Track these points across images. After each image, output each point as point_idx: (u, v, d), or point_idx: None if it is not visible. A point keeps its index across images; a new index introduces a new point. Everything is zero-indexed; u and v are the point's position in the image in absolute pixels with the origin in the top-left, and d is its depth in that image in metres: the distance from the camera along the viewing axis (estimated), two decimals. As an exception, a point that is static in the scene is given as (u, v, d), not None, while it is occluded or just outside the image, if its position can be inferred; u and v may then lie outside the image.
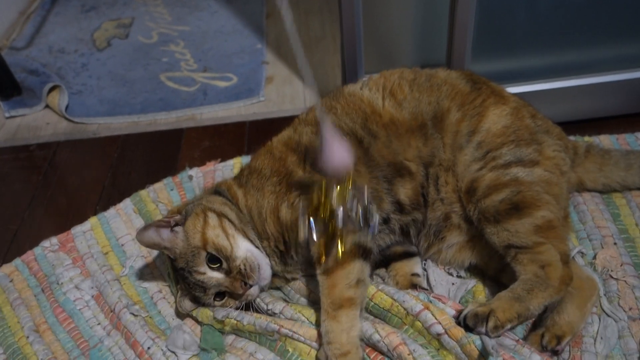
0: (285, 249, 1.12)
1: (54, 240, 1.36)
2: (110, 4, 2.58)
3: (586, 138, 1.47)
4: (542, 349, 1.00)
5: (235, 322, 1.09)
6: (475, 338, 0.94)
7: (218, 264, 1.07)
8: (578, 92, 1.52)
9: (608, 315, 1.05)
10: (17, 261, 1.33)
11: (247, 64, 2.07)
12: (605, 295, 1.09)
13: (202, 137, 1.74)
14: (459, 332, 0.96)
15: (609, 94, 1.54)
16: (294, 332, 1.04)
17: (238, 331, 1.11)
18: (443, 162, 1.15)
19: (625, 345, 1.01)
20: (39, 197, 1.57)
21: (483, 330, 0.96)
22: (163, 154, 1.69)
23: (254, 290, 1.09)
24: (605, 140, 1.46)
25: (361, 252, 1.03)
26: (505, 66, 1.53)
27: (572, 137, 1.32)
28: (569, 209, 1.20)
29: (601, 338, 1.01)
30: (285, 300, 1.15)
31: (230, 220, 1.11)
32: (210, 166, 1.54)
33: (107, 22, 2.43)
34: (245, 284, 1.07)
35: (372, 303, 1.06)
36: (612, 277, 1.12)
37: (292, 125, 1.25)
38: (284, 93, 1.91)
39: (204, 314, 1.14)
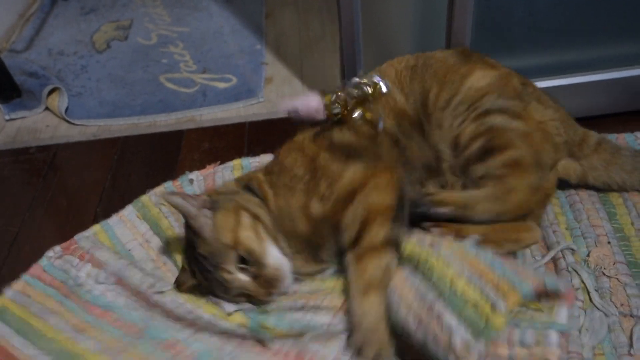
0: (319, 243, 1.10)
1: (57, 248, 1.33)
2: (109, 6, 2.58)
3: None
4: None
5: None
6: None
7: (245, 266, 1.04)
8: (577, 89, 1.52)
9: (599, 309, 1.06)
10: (26, 277, 1.28)
11: (247, 65, 2.07)
12: (597, 291, 1.10)
13: (202, 138, 1.74)
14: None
15: (608, 91, 1.53)
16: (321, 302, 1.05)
17: None
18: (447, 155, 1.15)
19: (616, 338, 1.02)
20: (39, 199, 1.57)
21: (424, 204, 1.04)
22: (163, 155, 1.69)
23: (275, 298, 1.08)
24: (605, 139, 1.46)
25: (392, 243, 1.02)
26: (504, 63, 1.52)
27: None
28: (553, 192, 1.21)
29: (586, 330, 1.03)
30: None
31: (263, 224, 1.08)
32: (210, 169, 1.53)
33: (107, 24, 2.43)
34: (270, 293, 1.05)
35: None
36: (604, 274, 1.12)
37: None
38: (283, 93, 1.91)
39: (208, 309, 1.12)
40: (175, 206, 1.07)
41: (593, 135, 1.25)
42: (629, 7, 1.43)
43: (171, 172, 1.59)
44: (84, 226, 1.45)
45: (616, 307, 1.07)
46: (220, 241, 1.03)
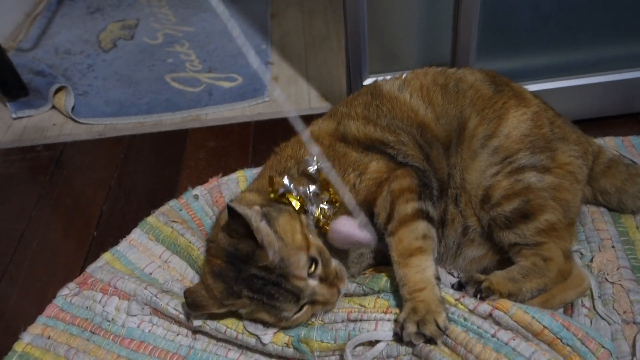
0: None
1: (71, 285, 1.27)
2: (115, 5, 2.59)
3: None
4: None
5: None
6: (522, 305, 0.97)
7: (312, 270, 1.00)
8: (583, 91, 1.52)
9: (602, 318, 1.05)
10: (42, 318, 1.21)
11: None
12: (600, 297, 1.09)
13: (207, 137, 1.75)
14: (508, 303, 0.97)
15: (614, 93, 1.53)
16: (362, 313, 1.04)
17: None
18: (457, 183, 1.15)
19: (619, 348, 1.01)
20: (45, 197, 1.58)
21: (472, 290, 1.01)
22: (168, 154, 1.70)
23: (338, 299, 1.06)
24: (610, 142, 1.46)
25: (424, 215, 1.05)
26: (510, 65, 1.52)
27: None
28: (577, 217, 1.20)
29: None
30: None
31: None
32: (213, 182, 1.48)
33: (113, 24, 2.44)
34: (338, 292, 1.03)
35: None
36: (607, 280, 1.12)
37: (333, 118, 1.22)
38: (288, 93, 1.92)
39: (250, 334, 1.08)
40: (241, 217, 0.96)
41: (606, 154, 1.25)
42: (635, 8, 1.43)
43: (176, 170, 1.60)
44: (90, 224, 1.47)
45: (619, 314, 1.06)
46: (291, 246, 0.98)
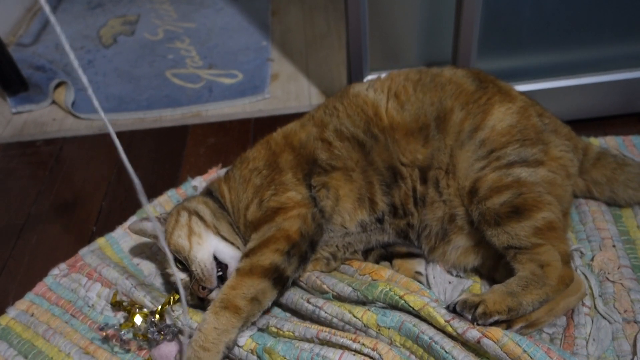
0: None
1: (62, 265, 1.29)
2: (116, 1, 2.59)
3: (592, 139, 1.46)
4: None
5: (276, 329, 1.06)
6: (516, 336, 0.92)
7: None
8: (584, 90, 1.52)
9: (603, 317, 1.05)
10: (30, 295, 1.24)
11: (253, 61, 2.07)
12: (600, 296, 1.09)
13: (208, 133, 1.74)
14: (499, 332, 0.92)
15: (615, 92, 1.53)
16: (332, 335, 1.02)
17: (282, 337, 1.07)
18: (442, 165, 1.12)
19: (619, 347, 1.01)
20: (45, 192, 1.58)
21: (469, 316, 0.96)
22: (168, 150, 1.70)
23: (215, 294, 1.06)
24: (611, 142, 1.46)
25: (274, 275, 1.02)
26: (511, 64, 1.52)
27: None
28: (570, 208, 1.20)
29: (593, 340, 1.01)
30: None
31: (200, 217, 1.11)
32: (212, 173, 1.50)
33: (113, 19, 2.44)
34: (204, 287, 1.06)
35: (402, 301, 1.02)
36: (608, 279, 1.11)
37: (301, 120, 1.24)
38: (289, 90, 1.92)
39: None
40: (137, 231, 1.17)
41: (594, 148, 1.25)
42: (636, 7, 1.42)
43: (177, 166, 1.60)
44: (89, 220, 1.47)
45: (620, 313, 1.05)
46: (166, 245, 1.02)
